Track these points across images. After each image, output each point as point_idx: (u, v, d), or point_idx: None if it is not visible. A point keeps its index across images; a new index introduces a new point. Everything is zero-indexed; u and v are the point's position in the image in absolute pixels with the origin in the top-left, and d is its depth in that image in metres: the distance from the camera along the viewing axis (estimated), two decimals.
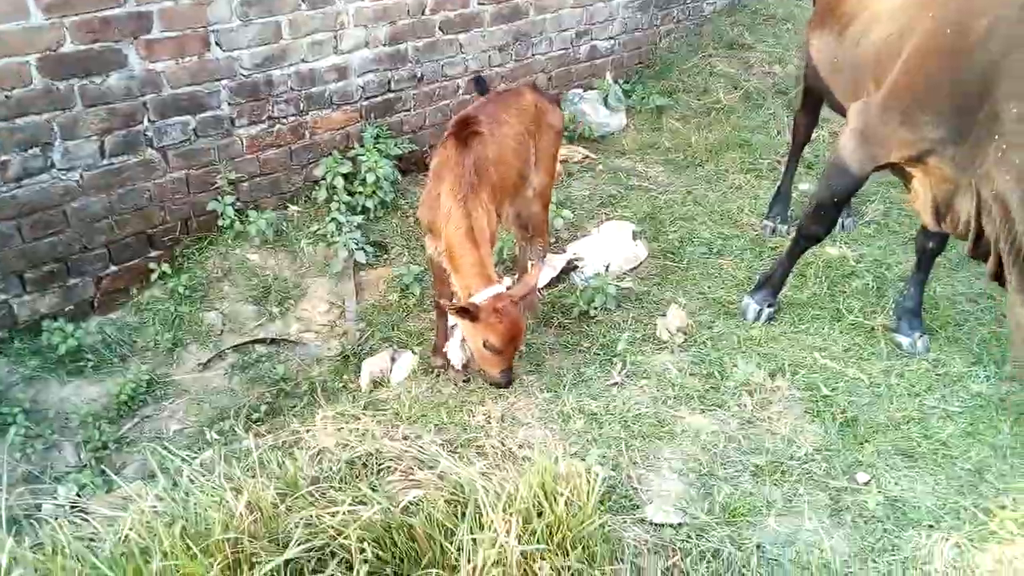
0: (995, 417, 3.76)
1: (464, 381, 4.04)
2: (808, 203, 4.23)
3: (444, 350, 4.14)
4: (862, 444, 3.59)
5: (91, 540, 2.62)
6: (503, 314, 3.53)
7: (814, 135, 5.62)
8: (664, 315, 4.43)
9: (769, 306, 4.41)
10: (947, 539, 3.09)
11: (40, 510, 3.44)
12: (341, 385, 4.47)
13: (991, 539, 3.12)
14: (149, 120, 4.46)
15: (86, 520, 2.77)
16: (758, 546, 3.04)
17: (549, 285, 4.87)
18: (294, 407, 4.34)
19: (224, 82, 4.69)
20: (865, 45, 3.91)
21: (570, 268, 4.97)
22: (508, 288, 3.65)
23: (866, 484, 3.37)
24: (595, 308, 4.53)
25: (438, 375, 4.16)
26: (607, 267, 4.90)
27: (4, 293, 4.20)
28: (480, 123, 3.84)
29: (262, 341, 4.69)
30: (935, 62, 3.42)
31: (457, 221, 3.62)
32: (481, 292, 3.58)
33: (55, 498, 3.57)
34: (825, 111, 5.07)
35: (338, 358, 4.67)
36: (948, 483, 3.39)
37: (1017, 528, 3.17)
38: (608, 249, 5.03)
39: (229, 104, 4.77)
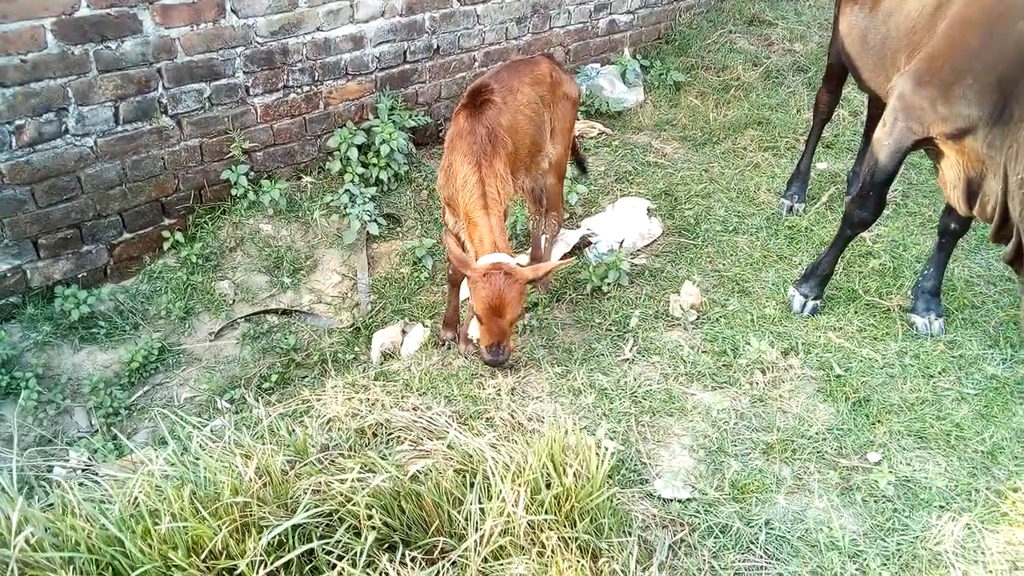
0: (1010, 400, 3.72)
1: (475, 354, 4.02)
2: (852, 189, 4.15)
3: (461, 327, 4.12)
4: (874, 424, 3.56)
5: (101, 502, 2.63)
6: (488, 282, 3.44)
7: (834, 115, 5.54)
8: (677, 292, 4.40)
9: (815, 298, 4.28)
10: (957, 520, 3.07)
11: (51, 472, 3.46)
12: (352, 357, 4.48)
13: (1003, 521, 3.10)
14: (164, 87, 4.44)
15: (96, 482, 2.79)
16: (767, 523, 3.03)
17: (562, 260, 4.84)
18: (305, 377, 4.35)
19: (239, 50, 4.67)
20: (899, 17, 3.84)
21: (584, 244, 4.94)
22: (519, 264, 3.58)
23: (877, 464, 3.34)
24: (608, 284, 4.51)
25: (448, 347, 4.16)
26: (621, 243, 4.87)
27: (18, 259, 4.21)
28: (493, 91, 3.80)
29: (274, 311, 4.70)
30: (975, 33, 3.35)
31: (471, 188, 3.59)
32: (483, 258, 3.53)
33: (66, 461, 3.59)
34: (846, 90, 4.99)
35: (349, 330, 4.67)
36: (960, 464, 3.36)
37: None
38: (622, 225, 5.00)
39: (244, 72, 4.75)
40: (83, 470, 3.27)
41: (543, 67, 4.16)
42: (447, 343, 4.18)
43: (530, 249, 4.71)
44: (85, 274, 4.48)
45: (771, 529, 3.01)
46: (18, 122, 3.98)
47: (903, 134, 3.66)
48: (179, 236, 4.74)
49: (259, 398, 3.87)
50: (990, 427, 3.56)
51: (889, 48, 3.93)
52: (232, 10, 4.55)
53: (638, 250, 4.91)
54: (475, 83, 3.97)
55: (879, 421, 3.57)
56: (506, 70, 4.06)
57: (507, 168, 3.71)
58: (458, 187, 3.64)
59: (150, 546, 2.37)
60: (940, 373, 3.88)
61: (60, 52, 4.00)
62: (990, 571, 2.89)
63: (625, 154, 6.01)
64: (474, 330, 3.95)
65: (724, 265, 4.73)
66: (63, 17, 3.95)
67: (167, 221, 4.75)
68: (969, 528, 3.05)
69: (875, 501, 3.18)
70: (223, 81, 4.68)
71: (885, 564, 2.91)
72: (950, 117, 3.44)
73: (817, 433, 3.49)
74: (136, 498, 2.54)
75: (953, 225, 4.10)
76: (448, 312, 4.20)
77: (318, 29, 4.98)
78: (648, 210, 5.14)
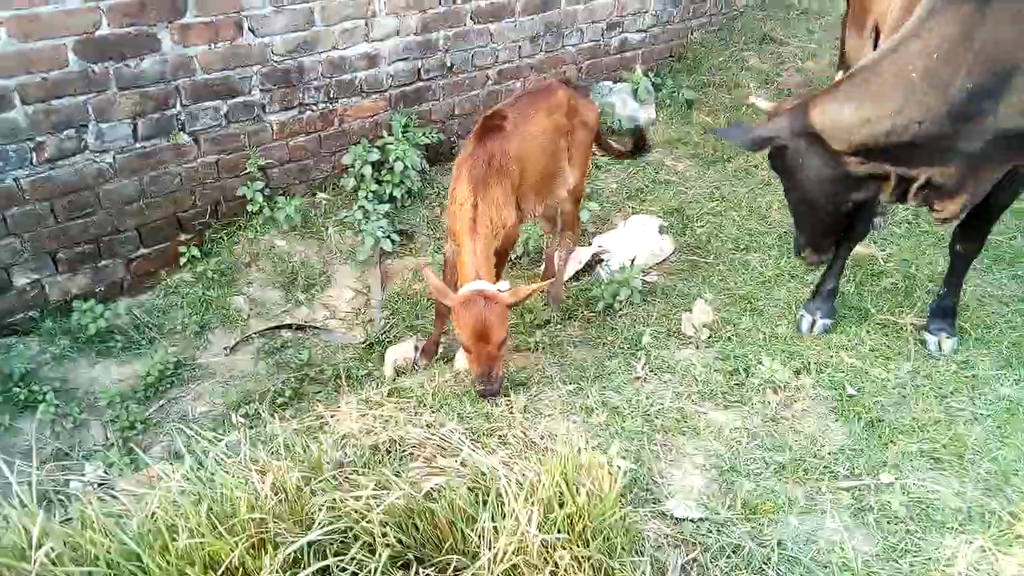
0: (1023, 420, 3.71)
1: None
2: None
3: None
4: (887, 445, 3.56)
5: (119, 516, 2.66)
6: (468, 309, 3.44)
7: None
8: (689, 310, 4.41)
9: (824, 316, 4.26)
10: (971, 542, 3.06)
11: (68, 486, 3.49)
12: (365, 372, 4.51)
13: (1016, 543, 3.09)
14: (181, 104, 4.50)
15: (114, 497, 2.82)
16: (779, 543, 3.02)
17: (575, 278, 4.87)
18: (319, 393, 4.38)
19: (256, 68, 4.73)
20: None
21: (596, 261, 4.97)
22: (500, 290, 3.55)
23: (890, 485, 3.34)
24: (620, 302, 4.53)
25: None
26: (633, 261, 4.88)
27: (37, 273, 4.27)
28: (506, 119, 3.83)
29: (288, 327, 4.74)
30: None
31: (465, 211, 3.61)
32: (465, 286, 3.54)
33: (83, 475, 3.62)
34: None
35: (363, 345, 4.70)
36: (974, 485, 3.36)
37: None
38: (634, 243, 5.02)
39: (260, 90, 4.81)
40: (100, 484, 3.30)
41: (560, 95, 4.16)
42: (417, 368, 4.22)
43: (543, 267, 4.74)
44: (102, 288, 4.53)
45: (783, 550, 3.01)
46: (39, 139, 4.05)
47: None
48: (195, 251, 4.79)
49: (273, 413, 3.90)
50: (1003, 448, 3.55)
51: None
52: (250, 29, 4.62)
53: (650, 268, 4.93)
54: (490, 110, 4.01)
55: (891, 441, 3.57)
56: (522, 98, 4.09)
57: (508, 196, 3.72)
58: (455, 210, 3.67)
59: (168, 562, 2.39)
60: (952, 393, 3.88)
61: (81, 70, 4.07)
62: None
63: (637, 171, 6.04)
64: (462, 361, 3.93)
65: (736, 283, 4.74)
66: (85, 36, 4.02)
67: (183, 236, 4.81)
68: (983, 550, 3.04)
69: (888, 522, 3.17)
70: (240, 99, 4.74)
71: None
72: None
73: (829, 453, 3.49)
74: (154, 513, 2.56)
75: (958, 247, 4.09)
76: (429, 341, 4.25)
77: (334, 47, 5.04)
78: (660, 228, 5.17)
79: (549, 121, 4.03)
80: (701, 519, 3.12)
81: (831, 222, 3.83)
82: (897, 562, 3.00)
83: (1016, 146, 3.28)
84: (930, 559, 3.01)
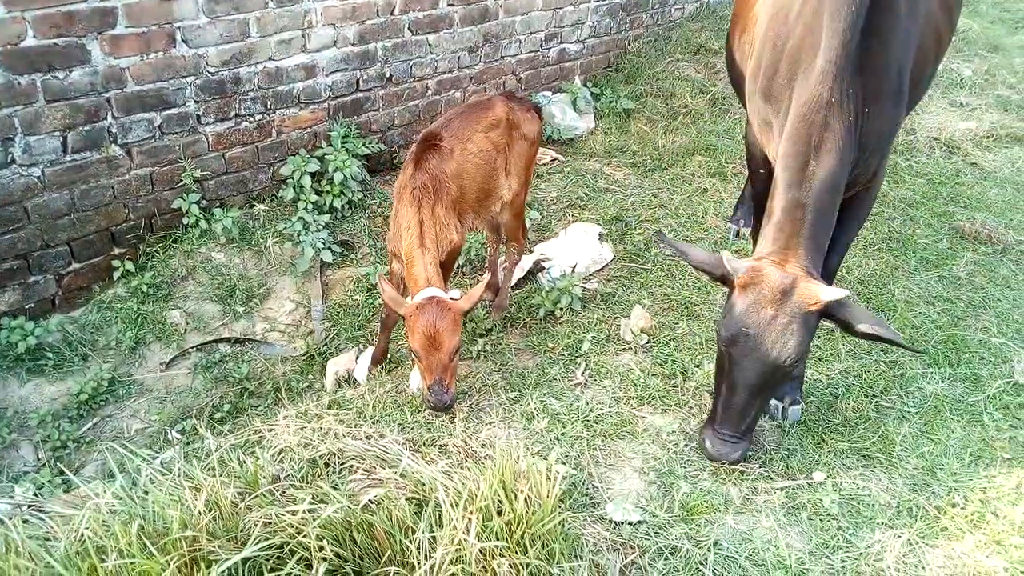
0: (949, 418, 3.84)
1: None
2: None
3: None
4: (819, 444, 3.65)
5: (46, 539, 2.60)
6: (421, 313, 3.47)
7: None
8: (628, 316, 4.47)
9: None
10: (899, 536, 3.16)
11: None
12: (306, 385, 4.47)
13: (942, 536, 3.19)
14: (113, 116, 4.42)
15: (42, 519, 2.75)
16: (715, 543, 3.08)
17: (516, 286, 4.90)
18: (258, 407, 4.33)
19: (190, 79, 4.67)
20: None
21: (537, 269, 5.00)
22: (452, 298, 3.60)
23: (822, 483, 3.42)
24: (560, 309, 4.57)
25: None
26: (573, 268, 4.94)
27: None
28: (441, 139, 3.91)
29: (226, 340, 4.67)
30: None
31: (412, 229, 3.68)
32: (418, 295, 3.58)
33: (11, 497, 3.52)
34: None
35: (303, 358, 4.66)
36: (902, 481, 3.46)
37: (967, 525, 3.24)
38: (575, 250, 5.07)
39: (195, 101, 4.75)
40: (28, 506, 3.21)
41: (497, 111, 4.20)
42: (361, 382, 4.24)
43: (488, 275, 4.77)
44: (32, 305, 4.42)
45: (719, 549, 3.07)
46: None
47: None
48: (129, 266, 4.70)
49: (211, 428, 3.84)
50: (929, 444, 3.67)
51: None
52: (183, 40, 4.56)
53: (590, 275, 4.98)
54: (426, 131, 4.05)
55: (823, 441, 3.67)
56: (458, 117, 4.12)
57: (449, 213, 3.79)
58: (401, 231, 3.73)
59: None
60: (882, 392, 4.00)
61: (6, 82, 3.97)
62: None
63: (577, 180, 6.10)
64: (416, 380, 3.92)
65: (674, 289, 4.82)
66: (9, 47, 3.93)
67: (117, 251, 4.72)
68: (910, 544, 3.14)
69: (820, 519, 3.26)
70: (174, 110, 4.67)
71: None
72: None
73: (764, 453, 3.57)
74: (82, 535, 2.51)
75: None
76: (376, 352, 4.26)
77: (270, 58, 5.00)
78: (600, 235, 5.23)
79: (485, 139, 4.07)
80: (639, 522, 3.16)
81: None
82: (829, 558, 3.08)
83: None
84: (861, 554, 3.09)
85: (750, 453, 3.51)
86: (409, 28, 5.71)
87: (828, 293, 3.09)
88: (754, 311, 3.15)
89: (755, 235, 4.20)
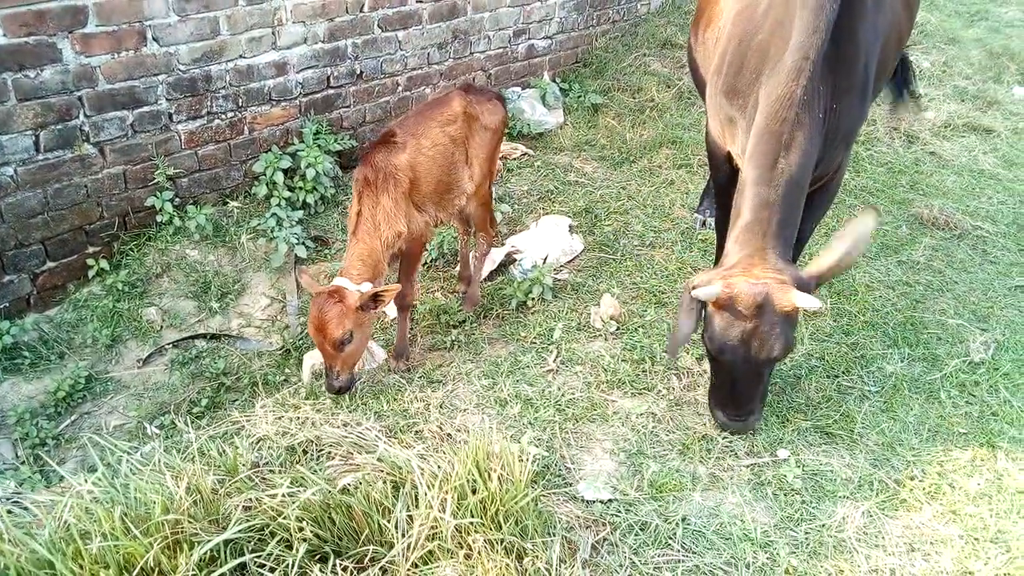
0: (907, 396, 3.98)
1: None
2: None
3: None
4: (784, 423, 3.78)
5: (31, 527, 2.65)
6: (315, 303, 3.63)
7: None
8: (598, 305, 4.58)
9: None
10: (859, 508, 3.29)
11: None
12: (283, 379, 4.52)
13: (901, 507, 3.33)
14: (85, 115, 4.45)
15: (25, 509, 2.80)
16: (683, 519, 3.20)
17: (489, 278, 4.99)
18: (235, 401, 4.37)
19: (162, 77, 4.70)
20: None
21: (509, 261, 5.09)
22: (362, 291, 3.69)
23: (786, 460, 3.55)
24: (532, 299, 4.67)
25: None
26: (544, 259, 5.03)
27: None
28: (394, 135, 4.00)
29: (202, 336, 4.71)
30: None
31: (352, 218, 3.82)
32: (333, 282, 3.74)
33: None
34: None
35: (279, 352, 4.71)
36: (863, 457, 3.60)
37: (925, 496, 3.39)
38: (546, 242, 5.17)
39: (167, 99, 4.78)
40: (10, 499, 3.25)
41: (454, 105, 4.25)
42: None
43: (460, 267, 4.85)
44: (7, 304, 4.43)
45: (688, 524, 3.18)
46: None
47: None
48: (104, 264, 4.72)
49: (189, 422, 3.89)
50: (889, 421, 3.81)
51: None
52: (154, 38, 4.59)
53: (561, 266, 5.08)
54: (382, 131, 4.14)
55: (788, 420, 3.80)
56: (415, 115, 4.21)
57: (399, 204, 3.88)
58: (348, 220, 3.86)
59: (81, 567, 2.40)
60: (844, 373, 4.14)
61: None
62: (890, 553, 3.12)
63: (547, 174, 6.20)
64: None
65: (642, 278, 4.93)
66: None
67: (91, 249, 4.74)
68: (870, 515, 3.28)
69: (784, 494, 3.38)
70: (146, 108, 4.70)
71: (794, 552, 3.10)
72: None
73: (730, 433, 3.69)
74: (66, 521, 2.57)
75: None
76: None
77: (241, 56, 5.05)
78: (570, 227, 5.33)
79: (441, 132, 4.14)
80: (610, 500, 3.26)
81: None
82: (793, 530, 3.20)
83: None
84: (823, 526, 3.22)
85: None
86: (379, 25, 5.77)
87: (802, 300, 3.17)
88: (734, 327, 3.26)
89: (719, 226, 4.32)
